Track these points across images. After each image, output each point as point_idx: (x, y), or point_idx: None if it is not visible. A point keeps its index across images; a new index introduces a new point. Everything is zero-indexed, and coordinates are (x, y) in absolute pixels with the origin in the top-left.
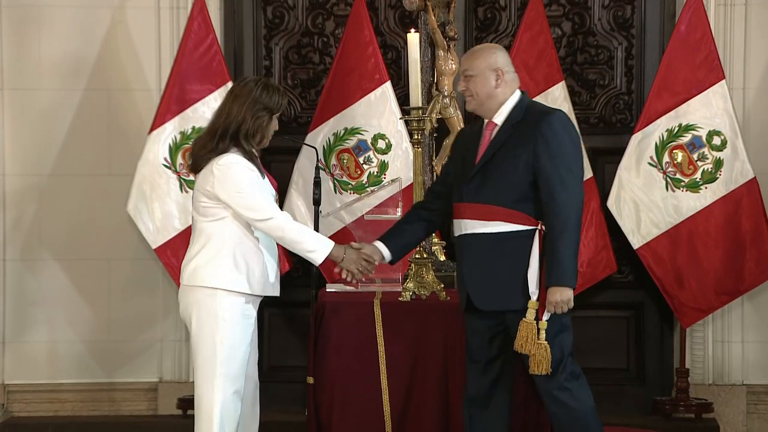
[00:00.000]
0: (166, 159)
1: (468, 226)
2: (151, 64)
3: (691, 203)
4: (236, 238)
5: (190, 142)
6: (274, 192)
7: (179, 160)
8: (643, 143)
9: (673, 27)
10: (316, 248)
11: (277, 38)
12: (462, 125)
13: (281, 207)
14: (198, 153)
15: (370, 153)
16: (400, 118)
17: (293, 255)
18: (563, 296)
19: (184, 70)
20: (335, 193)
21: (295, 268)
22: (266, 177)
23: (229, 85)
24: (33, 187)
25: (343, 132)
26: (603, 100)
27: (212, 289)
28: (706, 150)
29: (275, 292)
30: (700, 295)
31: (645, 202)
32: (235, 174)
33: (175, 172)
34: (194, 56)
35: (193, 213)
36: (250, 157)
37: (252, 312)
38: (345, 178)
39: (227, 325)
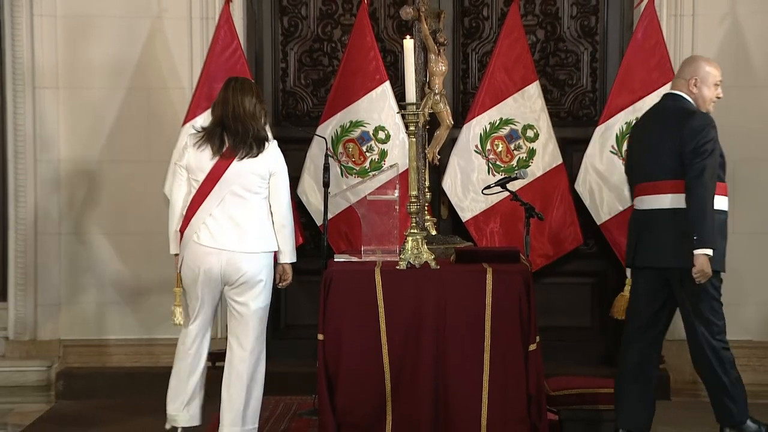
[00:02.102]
0: None
1: None
2: (184, 66)
3: None
4: None
5: None
6: None
7: None
8: (605, 134)
9: (631, 35)
10: (292, 251)
11: (292, 44)
12: (450, 119)
13: (295, 189)
14: (249, 140)
15: (372, 142)
16: (398, 113)
17: (306, 230)
18: None
19: (213, 71)
20: (342, 177)
21: (307, 241)
22: None
23: None
24: (84, 172)
25: (348, 124)
26: (571, 97)
27: (271, 252)
28: None
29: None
30: None
31: (607, 184)
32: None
33: None
34: (221, 59)
35: (241, 194)
36: None
37: None
38: (350, 164)
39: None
